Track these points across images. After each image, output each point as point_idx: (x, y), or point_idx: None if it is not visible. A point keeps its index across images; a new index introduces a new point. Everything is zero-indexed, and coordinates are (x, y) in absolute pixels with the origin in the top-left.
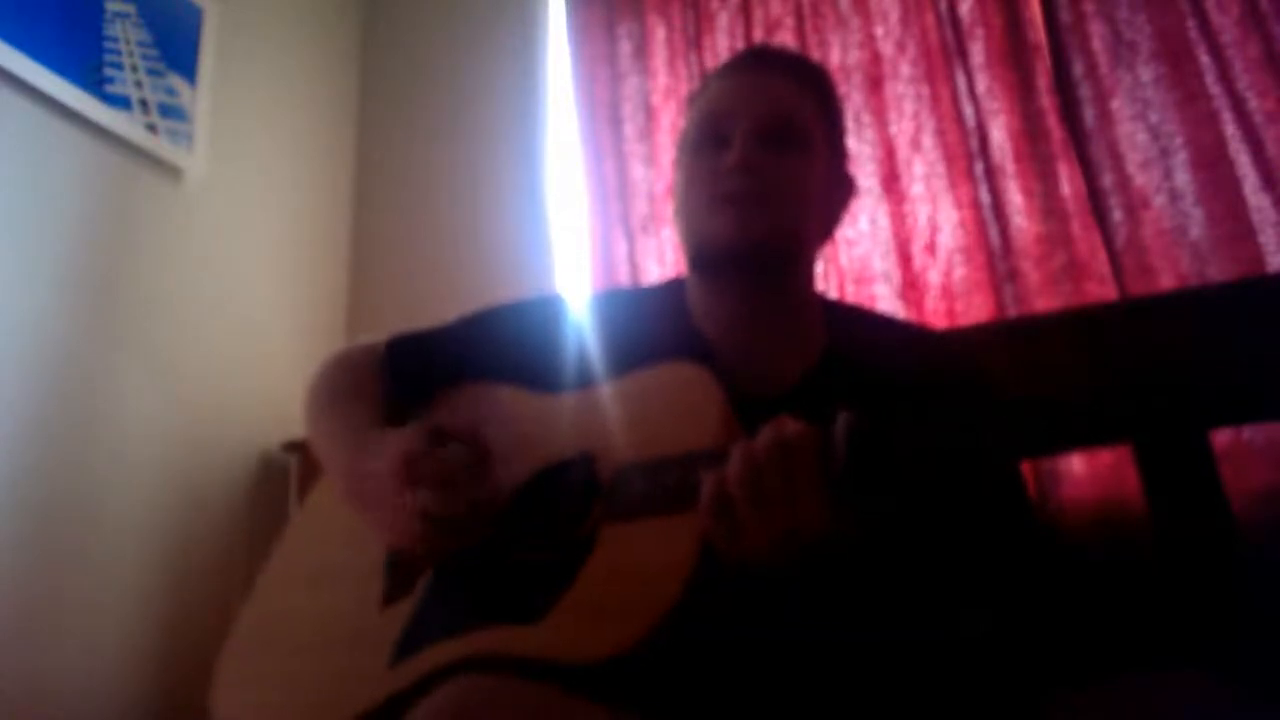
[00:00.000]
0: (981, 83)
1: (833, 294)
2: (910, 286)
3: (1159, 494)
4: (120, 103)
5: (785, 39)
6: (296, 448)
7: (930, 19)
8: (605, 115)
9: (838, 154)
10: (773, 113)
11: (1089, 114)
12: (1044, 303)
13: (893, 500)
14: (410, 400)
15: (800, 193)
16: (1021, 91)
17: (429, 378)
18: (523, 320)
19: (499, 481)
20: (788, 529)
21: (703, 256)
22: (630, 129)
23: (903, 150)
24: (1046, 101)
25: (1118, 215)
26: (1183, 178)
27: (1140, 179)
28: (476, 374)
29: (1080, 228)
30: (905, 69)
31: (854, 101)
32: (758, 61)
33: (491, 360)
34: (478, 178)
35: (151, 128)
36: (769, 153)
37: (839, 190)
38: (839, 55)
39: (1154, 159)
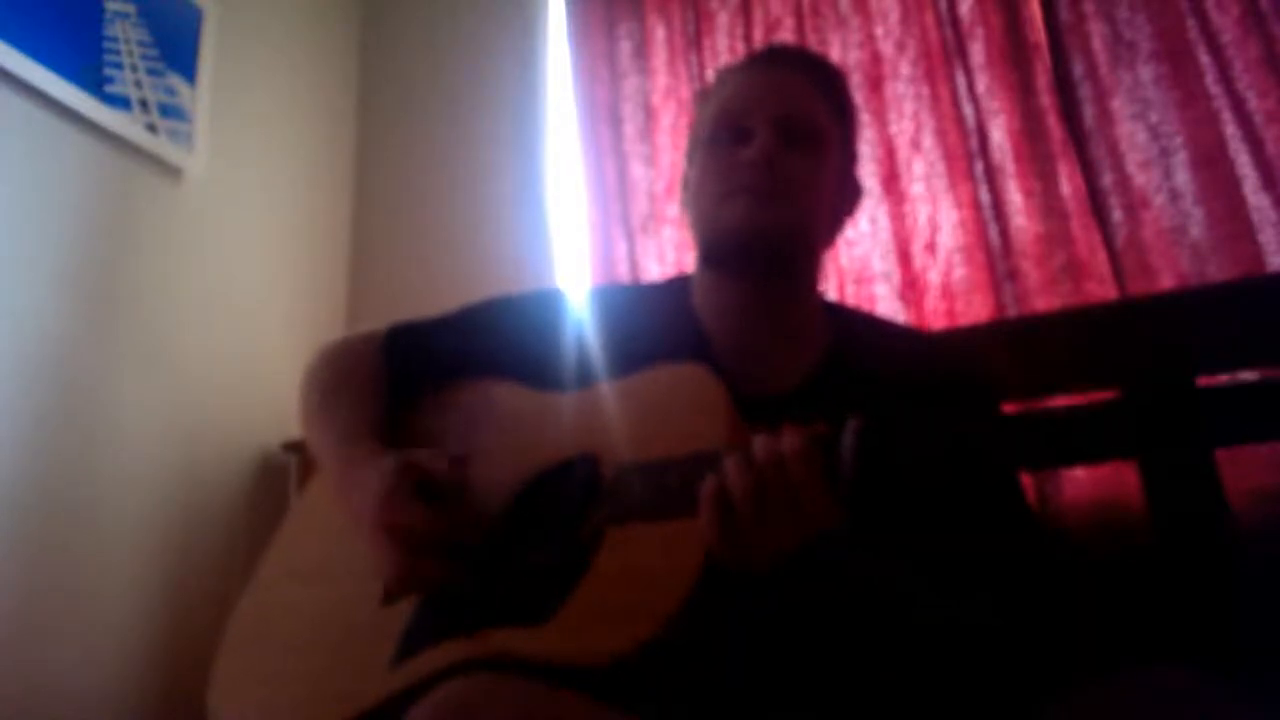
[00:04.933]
0: (981, 83)
1: (833, 294)
2: (910, 286)
3: (1160, 495)
4: (120, 103)
5: (785, 39)
6: (296, 448)
7: (930, 19)
8: (605, 115)
9: (848, 158)
10: (792, 111)
11: (1089, 114)
12: (1044, 302)
13: (900, 503)
14: (409, 391)
15: (812, 192)
16: (1021, 91)
17: (428, 368)
18: (524, 314)
19: (478, 524)
20: (795, 537)
21: (714, 248)
22: (630, 129)
23: (903, 150)
24: (1046, 101)
25: (1118, 215)
26: (1183, 178)
27: (1140, 179)
28: (477, 367)
29: (1080, 227)
30: (905, 69)
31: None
32: (778, 59)
33: (492, 354)
34: (478, 177)
35: (151, 128)
36: (787, 149)
37: (847, 195)
38: (839, 55)
39: (1154, 159)
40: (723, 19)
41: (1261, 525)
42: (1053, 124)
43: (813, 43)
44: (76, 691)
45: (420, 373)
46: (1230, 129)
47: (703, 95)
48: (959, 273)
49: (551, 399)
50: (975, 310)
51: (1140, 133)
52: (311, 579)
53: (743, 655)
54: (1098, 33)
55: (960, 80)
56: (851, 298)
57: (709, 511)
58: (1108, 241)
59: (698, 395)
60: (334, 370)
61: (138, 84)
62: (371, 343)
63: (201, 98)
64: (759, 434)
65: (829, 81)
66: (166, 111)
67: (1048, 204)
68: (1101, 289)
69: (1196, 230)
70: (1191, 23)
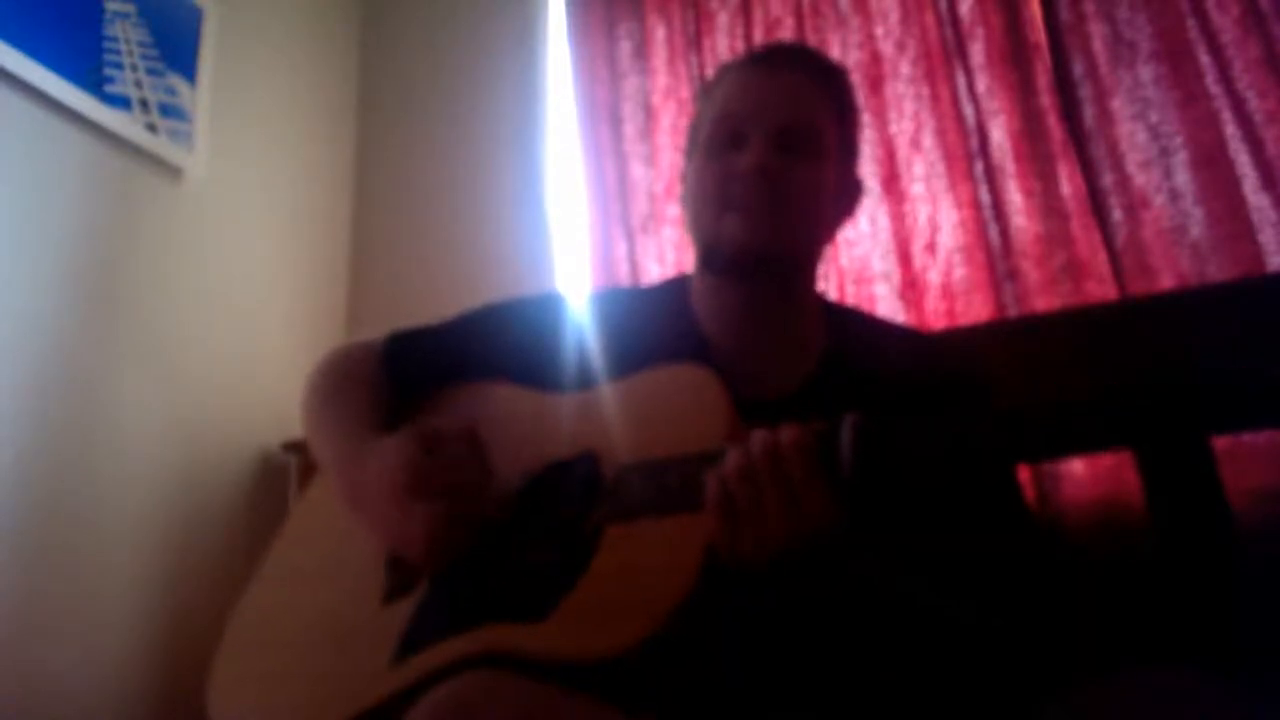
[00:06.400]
0: (981, 83)
1: (833, 294)
2: (910, 286)
3: (1159, 495)
4: (120, 103)
5: (784, 39)
6: (296, 448)
7: (930, 19)
8: (605, 115)
9: (850, 157)
10: (791, 117)
11: (1089, 114)
12: (1044, 302)
13: (898, 501)
14: (410, 398)
15: (811, 200)
16: (1021, 91)
17: (429, 375)
18: (524, 318)
19: (502, 476)
20: (793, 533)
21: (708, 255)
22: (630, 129)
23: (903, 150)
24: (1046, 101)
25: (1118, 215)
26: (1183, 178)
27: (1140, 179)
28: (477, 372)
29: (1080, 228)
30: (905, 69)
31: None
32: (780, 60)
33: (492, 358)
34: (478, 177)
35: (151, 127)
36: (784, 158)
37: (848, 194)
38: (839, 55)
39: (1154, 159)
40: (723, 19)
41: (1261, 525)
42: (1053, 124)
43: (812, 43)
44: (76, 691)
45: (421, 379)
46: (1230, 129)
47: (705, 90)
48: (959, 273)
49: (551, 400)
50: (975, 310)
51: (1140, 133)
52: (311, 579)
53: (741, 653)
54: (1098, 33)
55: (960, 80)
56: (851, 298)
57: (710, 506)
58: (1108, 241)
59: (698, 396)
60: (335, 378)
61: (138, 84)
62: (370, 351)
63: (201, 98)
64: (758, 430)
65: (831, 81)
66: (166, 111)
67: (1048, 204)
68: (1101, 289)
69: (1196, 230)
70: (1191, 23)
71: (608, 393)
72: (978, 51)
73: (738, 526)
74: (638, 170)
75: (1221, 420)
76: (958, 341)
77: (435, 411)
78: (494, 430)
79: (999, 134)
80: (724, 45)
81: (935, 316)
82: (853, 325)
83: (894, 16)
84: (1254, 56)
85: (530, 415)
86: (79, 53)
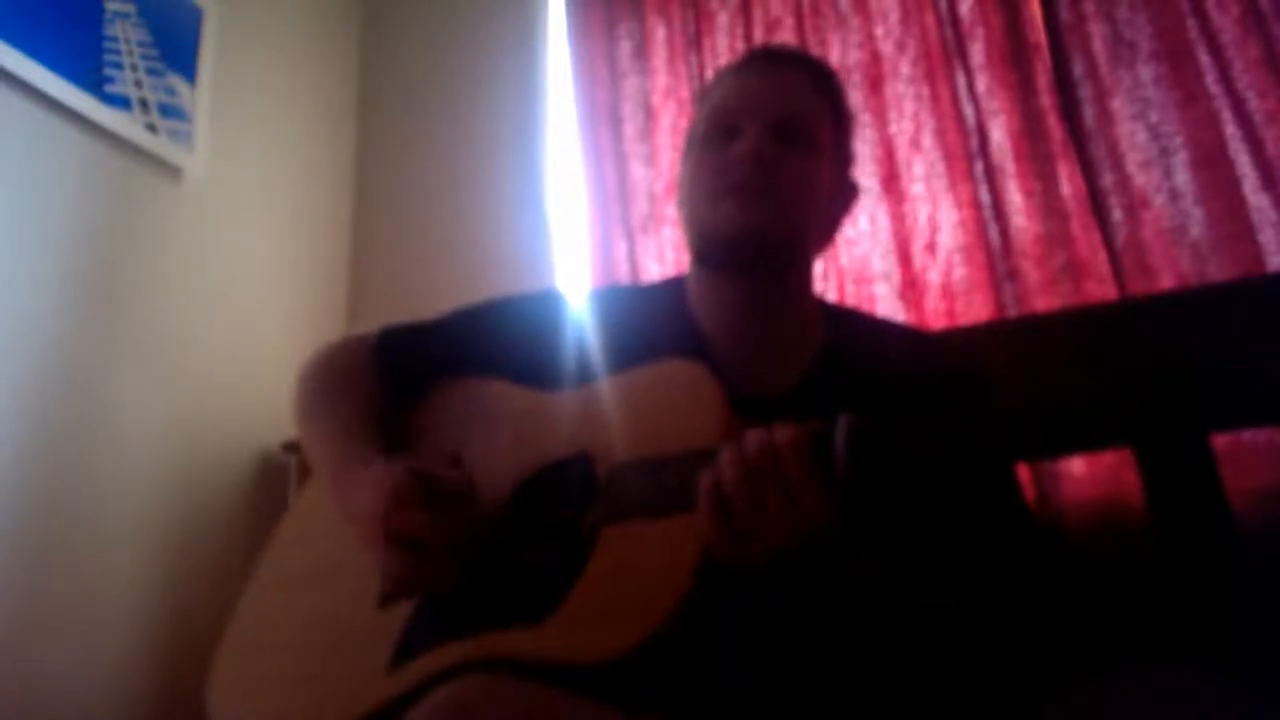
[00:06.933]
0: (981, 83)
1: (832, 294)
2: (910, 286)
3: (1159, 495)
4: (120, 103)
5: (785, 39)
6: (296, 447)
7: (930, 19)
8: (605, 115)
9: (843, 160)
10: (785, 110)
11: (1089, 114)
12: (1044, 302)
13: (895, 499)
14: (403, 395)
15: (804, 190)
16: (1021, 91)
17: (423, 371)
18: (520, 315)
19: (481, 522)
20: (790, 532)
21: (705, 247)
22: (630, 129)
23: (903, 150)
24: (1046, 101)
25: (1118, 215)
26: (1183, 178)
27: (1140, 179)
28: (472, 369)
29: (1080, 228)
30: (905, 69)
31: (854, 101)
32: (772, 60)
33: (487, 355)
34: (478, 177)
35: (151, 127)
36: (778, 147)
37: (843, 196)
38: (839, 55)
39: (1154, 159)
40: (723, 19)
41: (1261, 525)
42: (1053, 124)
43: (813, 43)
44: (76, 691)
45: (414, 375)
46: (1230, 129)
47: (703, 94)
48: (959, 273)
49: (547, 398)
50: (975, 310)
51: (1140, 133)
52: (308, 582)
53: (740, 653)
54: (1098, 33)
55: (960, 80)
56: (851, 298)
57: (705, 506)
58: (1108, 241)
59: (693, 393)
60: (327, 373)
61: (138, 84)
62: (364, 345)
63: (201, 98)
64: (753, 430)
65: (823, 83)
66: (166, 111)
67: (1048, 204)
68: (1101, 289)
69: (1196, 230)
70: (1191, 23)
71: (602, 389)
72: (978, 51)
73: (733, 527)
74: (638, 170)
75: (1221, 416)
76: (957, 341)
77: (430, 409)
78: (489, 429)
79: (999, 134)
80: (724, 45)
81: (935, 316)
82: (851, 324)
83: (894, 16)
84: (1254, 56)
85: (524, 413)
86: (79, 53)
